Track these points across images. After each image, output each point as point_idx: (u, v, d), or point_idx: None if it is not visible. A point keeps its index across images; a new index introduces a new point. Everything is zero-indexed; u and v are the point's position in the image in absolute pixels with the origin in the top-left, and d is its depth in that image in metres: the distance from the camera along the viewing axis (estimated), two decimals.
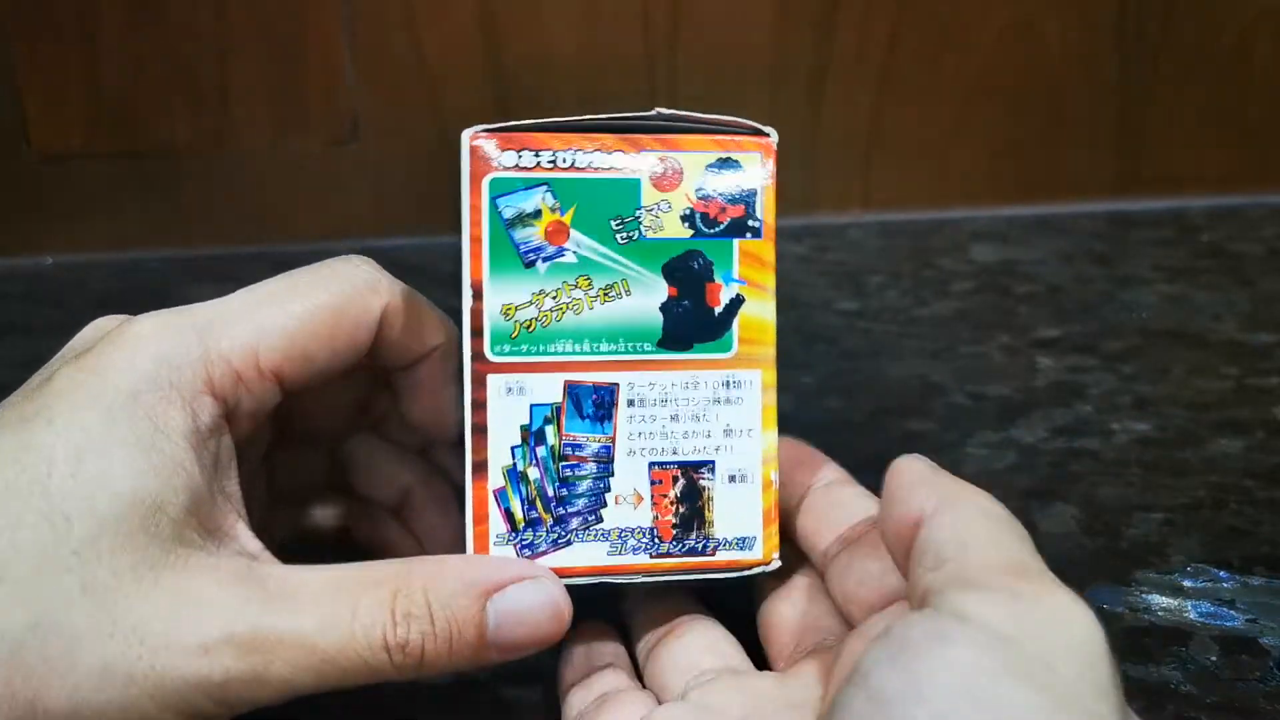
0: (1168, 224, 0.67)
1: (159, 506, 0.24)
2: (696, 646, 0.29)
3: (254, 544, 0.27)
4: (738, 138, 0.29)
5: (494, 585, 0.26)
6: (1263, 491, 0.40)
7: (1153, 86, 0.67)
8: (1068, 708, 0.19)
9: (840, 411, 0.47)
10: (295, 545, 0.32)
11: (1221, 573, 0.36)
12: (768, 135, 0.29)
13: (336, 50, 0.62)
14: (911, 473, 0.25)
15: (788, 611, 0.29)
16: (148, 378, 0.25)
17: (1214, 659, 0.32)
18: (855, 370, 0.51)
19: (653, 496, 0.29)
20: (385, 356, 0.30)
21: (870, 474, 0.45)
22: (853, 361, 0.51)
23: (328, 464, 0.34)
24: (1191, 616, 0.34)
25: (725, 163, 0.29)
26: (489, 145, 0.28)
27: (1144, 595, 0.35)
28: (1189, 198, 0.69)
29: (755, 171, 0.29)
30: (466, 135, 0.28)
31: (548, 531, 0.28)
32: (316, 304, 0.28)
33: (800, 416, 0.45)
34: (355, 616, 0.25)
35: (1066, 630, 0.20)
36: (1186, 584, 0.35)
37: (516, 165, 0.28)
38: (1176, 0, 0.66)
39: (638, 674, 0.30)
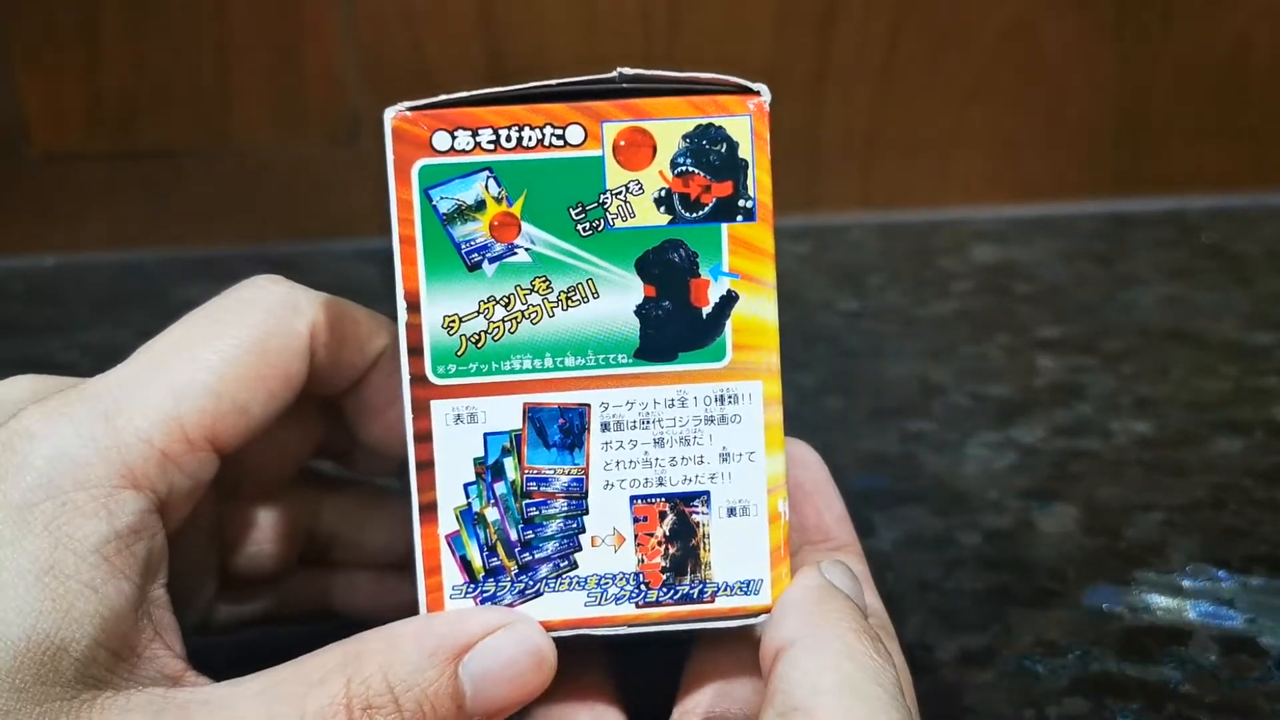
0: (1168, 224, 0.67)
1: (59, 648, 0.20)
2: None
3: (174, 663, 0.22)
4: (720, 98, 0.24)
5: (461, 646, 0.22)
6: (1262, 491, 0.40)
7: (1153, 86, 0.67)
8: None
9: (840, 411, 0.47)
10: (267, 625, 0.30)
11: (1221, 573, 0.36)
12: (758, 93, 0.24)
13: (336, 50, 0.62)
14: (796, 590, 0.23)
15: (709, 666, 0.25)
16: (44, 484, 0.21)
17: (1214, 659, 0.32)
18: (855, 370, 0.51)
19: (636, 536, 0.24)
20: (325, 381, 0.26)
21: (870, 474, 0.45)
22: (853, 361, 0.51)
23: (296, 536, 0.29)
24: (1191, 616, 0.34)
25: (706, 130, 0.24)
26: (416, 126, 0.23)
27: (1144, 595, 0.35)
28: (1189, 198, 0.69)
29: (744, 139, 0.24)
30: (389, 115, 0.23)
31: (512, 581, 0.24)
32: (235, 345, 0.23)
33: (800, 416, 0.45)
34: None
35: None
36: (1186, 584, 0.35)
37: (451, 148, 0.23)
38: (1176, 0, 0.66)
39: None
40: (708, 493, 0.24)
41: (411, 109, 0.23)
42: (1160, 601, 0.35)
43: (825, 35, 0.64)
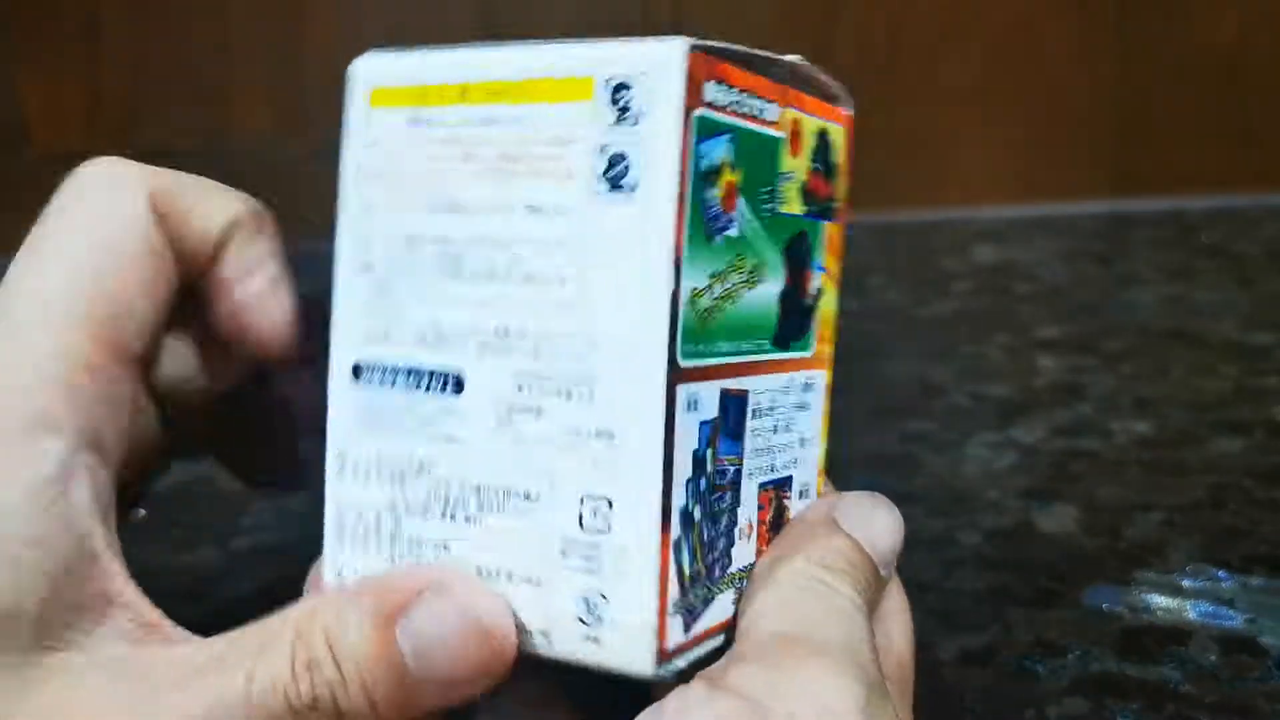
0: (1168, 224, 0.67)
1: (11, 613, 0.19)
2: None
3: (149, 611, 0.21)
4: (825, 104, 0.24)
5: (396, 606, 0.20)
6: (1262, 491, 0.40)
7: (1152, 86, 0.67)
8: None
9: (840, 411, 0.47)
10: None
11: (1221, 573, 0.36)
12: (848, 108, 0.24)
13: (336, 50, 0.62)
14: (794, 520, 0.23)
15: None
16: None
17: (1213, 659, 0.32)
18: (855, 370, 0.51)
19: (758, 525, 0.22)
20: (181, 258, 0.23)
21: (870, 474, 0.45)
22: (853, 361, 0.51)
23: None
24: (1191, 616, 0.34)
25: (825, 132, 0.24)
26: (702, 68, 0.20)
27: (1144, 595, 0.35)
28: (1189, 198, 0.69)
29: (841, 145, 0.24)
30: (676, 48, 0.20)
31: (705, 587, 0.21)
32: (85, 250, 0.22)
33: None
34: (251, 681, 0.19)
35: (818, 693, 0.20)
36: (1186, 584, 0.35)
37: (712, 102, 0.20)
38: (1176, 0, 0.66)
39: None
40: (791, 477, 0.24)
41: (702, 48, 0.20)
42: (1160, 601, 0.35)
43: (825, 35, 0.64)
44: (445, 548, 0.21)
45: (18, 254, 0.22)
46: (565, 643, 0.20)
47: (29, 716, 0.19)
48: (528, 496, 0.21)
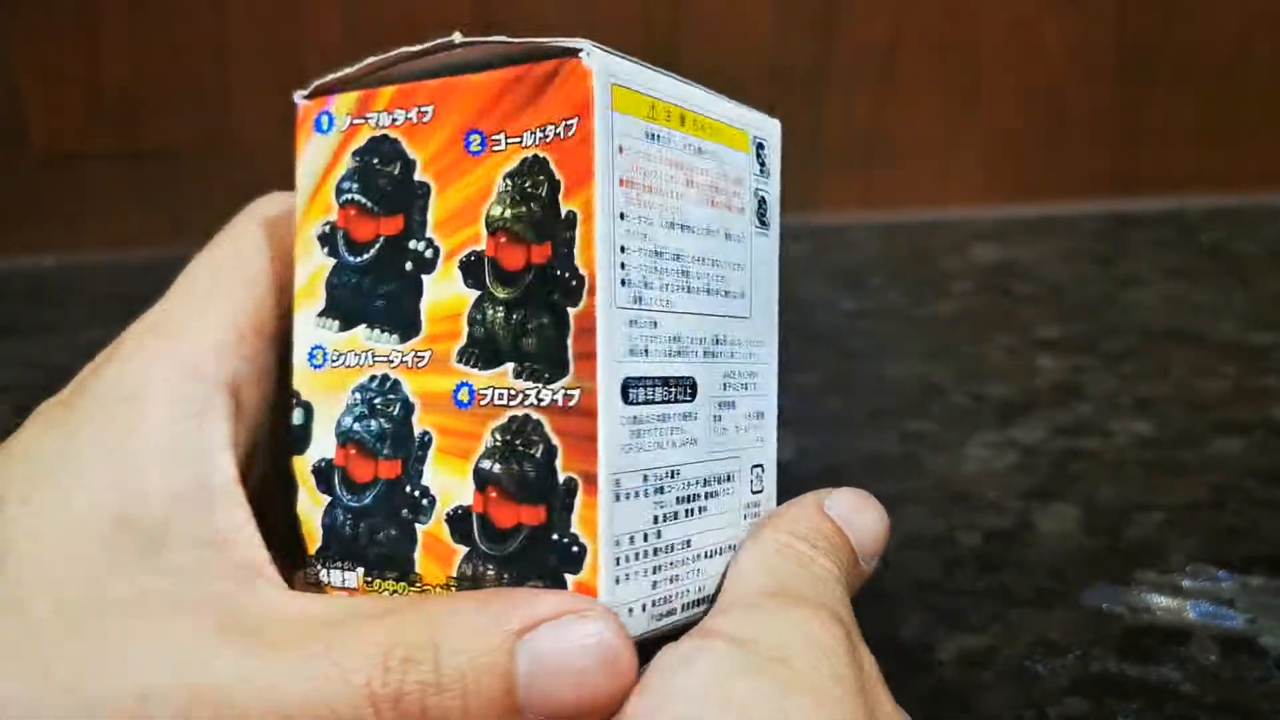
0: (1168, 224, 0.67)
1: (129, 522, 0.21)
2: None
3: (258, 553, 0.22)
4: None
5: (528, 621, 0.19)
6: (1263, 491, 0.40)
7: (1153, 86, 0.67)
8: (800, 691, 0.19)
9: (840, 411, 0.47)
10: None
11: (1221, 573, 0.36)
12: None
13: (336, 50, 0.62)
14: (780, 507, 0.25)
15: None
16: (127, 388, 0.22)
17: (1213, 659, 0.32)
18: (855, 370, 0.51)
19: None
20: None
21: (870, 474, 0.45)
22: (853, 361, 0.51)
23: None
24: (1191, 616, 0.34)
25: None
26: None
27: (1144, 595, 0.35)
28: (1189, 198, 0.69)
29: None
30: (778, 123, 0.26)
31: None
32: (253, 262, 0.25)
33: (800, 416, 0.45)
34: (335, 661, 0.19)
35: (802, 630, 0.20)
36: (1186, 584, 0.35)
37: None
38: (1176, 0, 0.66)
39: None
40: None
41: None
42: (1160, 601, 0.35)
43: (825, 35, 0.64)
44: (688, 544, 0.22)
45: (214, 238, 0.26)
46: None
47: (112, 632, 0.20)
48: (729, 477, 0.23)
